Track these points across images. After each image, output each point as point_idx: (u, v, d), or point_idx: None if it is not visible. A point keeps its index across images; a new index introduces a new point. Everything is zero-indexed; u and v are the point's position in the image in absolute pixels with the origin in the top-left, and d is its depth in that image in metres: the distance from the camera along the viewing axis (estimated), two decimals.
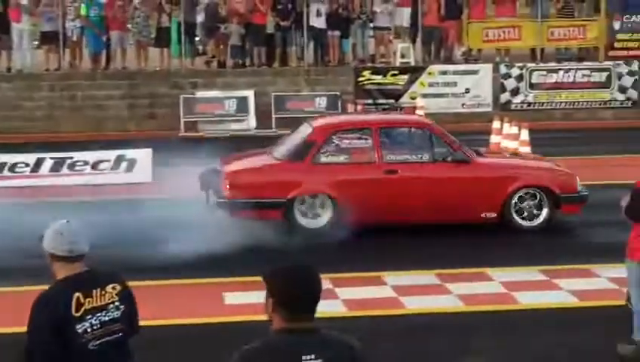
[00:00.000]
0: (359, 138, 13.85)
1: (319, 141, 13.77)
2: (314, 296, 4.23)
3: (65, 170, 17.80)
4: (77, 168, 17.85)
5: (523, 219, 13.67)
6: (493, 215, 13.57)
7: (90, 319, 4.87)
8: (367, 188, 13.33)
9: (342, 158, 13.75)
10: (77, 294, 4.85)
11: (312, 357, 4.11)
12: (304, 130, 14.34)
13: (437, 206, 13.27)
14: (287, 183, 13.42)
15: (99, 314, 4.91)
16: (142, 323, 6.02)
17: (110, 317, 4.98)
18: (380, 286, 11.27)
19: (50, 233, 4.95)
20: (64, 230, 4.95)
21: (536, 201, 13.67)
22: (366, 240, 12.66)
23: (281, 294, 4.19)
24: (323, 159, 13.68)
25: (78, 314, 4.83)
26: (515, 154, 15.54)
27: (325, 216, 13.42)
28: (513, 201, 13.61)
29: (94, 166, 17.83)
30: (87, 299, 4.89)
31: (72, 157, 17.94)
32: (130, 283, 5.35)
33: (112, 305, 4.99)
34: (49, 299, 4.88)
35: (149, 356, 6.49)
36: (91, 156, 18.01)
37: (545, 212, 13.64)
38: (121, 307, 5.05)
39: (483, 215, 13.55)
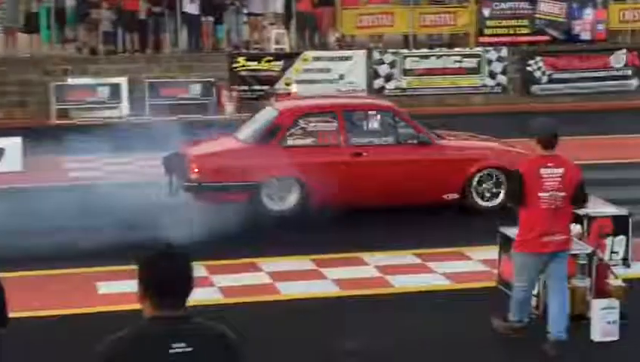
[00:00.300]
0: (325, 121, 13.97)
1: (286, 124, 13.91)
2: (183, 283, 4.17)
3: None
4: None
5: (482, 199, 13.87)
6: (456, 196, 13.75)
7: None
8: (333, 171, 13.26)
9: (308, 141, 13.84)
10: None
11: (183, 345, 4.06)
12: (270, 114, 14.50)
13: (401, 187, 13.41)
14: (255, 166, 13.46)
15: None
16: (12, 314, 5.93)
17: None
18: (256, 272, 11.25)
19: None
20: None
21: (494, 182, 13.84)
22: (242, 228, 12.56)
23: (148, 281, 4.14)
24: (290, 142, 13.76)
25: None
26: (472, 136, 15.71)
27: (292, 199, 13.47)
28: (475, 181, 13.79)
29: None
30: None
31: None
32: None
33: None
34: None
35: (18, 347, 6.33)
36: None
37: (502, 192, 13.76)
38: None
39: (445, 196, 13.75)
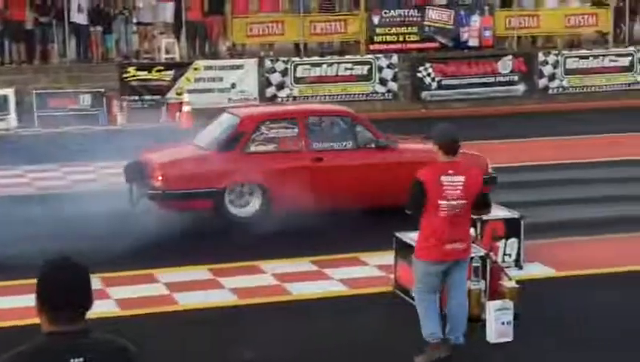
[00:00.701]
0: (286, 127, 14.01)
1: (248, 131, 13.91)
2: (79, 296, 4.11)
3: None
4: None
5: None
6: None
7: None
8: (295, 176, 13.34)
9: (270, 147, 13.91)
10: None
11: (81, 360, 4.00)
12: (231, 121, 14.42)
13: (363, 191, 13.50)
14: (219, 173, 13.52)
15: None
16: None
17: None
18: (152, 283, 11.18)
19: None
20: None
21: None
22: (138, 239, 12.26)
23: (44, 295, 4.08)
24: (252, 148, 13.82)
25: None
26: (422, 139, 15.71)
27: (255, 205, 13.56)
28: None
29: None
30: None
31: None
32: None
33: None
34: None
35: None
36: None
37: None
38: None
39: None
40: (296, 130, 14.01)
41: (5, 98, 23.80)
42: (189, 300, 10.61)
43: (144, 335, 8.47)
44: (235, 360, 8.94)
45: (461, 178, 8.32)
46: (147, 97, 25.14)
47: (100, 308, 9.30)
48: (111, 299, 10.54)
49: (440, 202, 8.21)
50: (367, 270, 11.61)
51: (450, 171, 8.32)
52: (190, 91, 24.90)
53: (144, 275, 11.41)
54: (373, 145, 14.06)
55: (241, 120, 14.26)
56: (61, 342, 4.02)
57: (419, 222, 8.57)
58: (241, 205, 13.61)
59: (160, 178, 13.34)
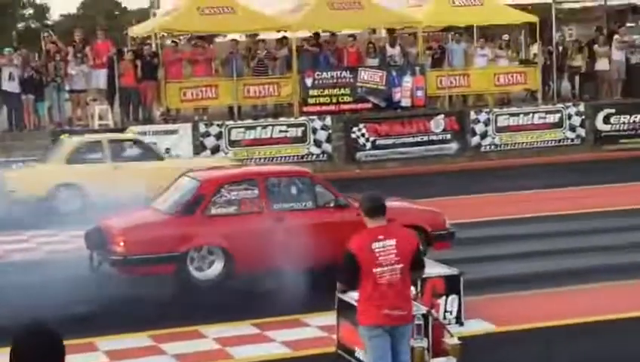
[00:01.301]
0: (246, 189, 13.99)
1: (209, 194, 13.90)
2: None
3: None
4: None
5: None
6: None
7: None
8: (257, 238, 13.43)
9: (231, 210, 13.89)
10: None
11: None
12: (190, 184, 14.41)
13: (323, 249, 13.31)
14: (180, 237, 13.50)
15: None
16: None
17: None
18: (92, 352, 11.00)
19: None
20: None
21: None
22: (80, 305, 12.31)
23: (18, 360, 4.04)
24: (213, 211, 13.79)
25: None
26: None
27: (218, 267, 13.53)
28: None
29: None
30: None
31: None
32: None
33: None
34: None
35: None
36: None
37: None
38: None
39: None
40: (256, 191, 14.05)
41: None
42: None
43: None
44: None
45: (392, 241, 8.12)
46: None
47: None
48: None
49: (375, 270, 8.00)
50: (309, 331, 11.56)
51: (381, 236, 8.14)
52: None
53: (84, 344, 11.15)
54: (332, 205, 14.16)
55: (200, 183, 14.28)
56: None
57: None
58: (204, 268, 13.60)
59: (121, 244, 13.31)
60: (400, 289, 8.11)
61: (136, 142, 21.76)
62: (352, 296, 9.77)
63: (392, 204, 14.99)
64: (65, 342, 11.09)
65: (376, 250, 7.97)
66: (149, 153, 21.20)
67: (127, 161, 20.66)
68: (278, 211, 13.94)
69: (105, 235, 13.64)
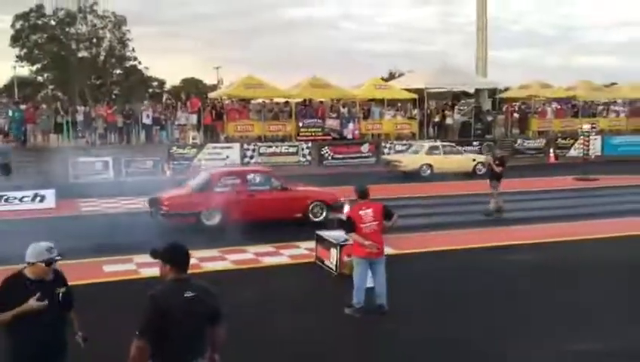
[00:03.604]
0: (234, 179, 13.76)
1: (214, 181, 13.64)
2: (188, 259, 4.10)
3: (2, 202, 16.53)
4: (10, 201, 16.60)
5: (315, 216, 13.85)
6: (301, 215, 13.73)
7: None
8: (239, 205, 13.04)
9: (226, 189, 13.44)
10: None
11: (190, 292, 3.98)
12: (205, 175, 14.11)
13: (273, 211, 13.31)
14: (198, 203, 13.16)
15: None
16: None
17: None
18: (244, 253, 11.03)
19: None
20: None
21: (320, 208, 13.90)
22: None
23: (173, 260, 4.03)
24: (216, 190, 13.40)
25: None
26: (308, 185, 15.34)
27: (217, 220, 13.16)
28: (311, 208, 13.84)
29: (21, 199, 16.65)
30: None
31: (6, 195, 16.67)
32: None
33: None
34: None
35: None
36: (19, 193, 16.77)
37: (324, 213, 13.86)
38: None
39: (296, 215, 13.69)
40: (239, 180, 13.72)
41: (106, 163, 23.16)
42: (212, 267, 10.08)
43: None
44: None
45: (370, 210, 7.61)
46: (182, 163, 24.57)
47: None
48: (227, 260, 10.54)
49: (361, 225, 7.57)
50: (301, 250, 11.36)
51: (364, 207, 7.67)
52: (205, 159, 24.65)
53: (238, 250, 11.13)
54: (279, 187, 13.82)
55: (211, 175, 14.04)
56: (180, 283, 4.01)
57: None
58: (210, 220, 13.21)
59: (166, 205, 13.10)
60: (376, 236, 7.70)
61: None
62: (326, 233, 9.97)
63: (308, 186, 14.86)
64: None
65: (362, 214, 7.76)
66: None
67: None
68: (251, 191, 13.56)
69: (158, 200, 13.32)
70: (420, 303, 8.46)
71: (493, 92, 33.49)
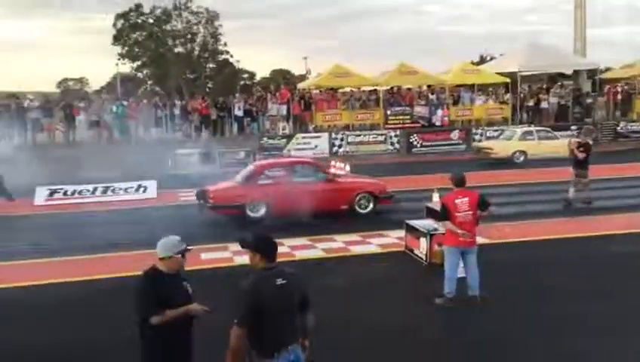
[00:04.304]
0: (279, 170, 13.67)
1: (258, 173, 13.55)
2: (276, 249, 4.21)
3: (109, 192, 17.39)
4: (115, 191, 17.48)
5: (360, 208, 13.65)
6: (346, 207, 13.52)
7: None
8: (284, 197, 12.81)
9: (270, 181, 13.32)
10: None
11: (281, 280, 4.07)
12: (250, 167, 14.11)
13: (319, 204, 12.90)
14: (243, 195, 13.10)
15: None
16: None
17: None
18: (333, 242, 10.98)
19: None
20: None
21: (367, 199, 13.69)
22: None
23: (263, 249, 4.13)
24: (260, 182, 13.33)
25: None
26: (357, 175, 15.04)
27: (262, 212, 13.09)
28: (357, 199, 13.59)
29: (126, 190, 17.45)
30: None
31: (113, 186, 17.57)
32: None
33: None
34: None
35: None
36: (124, 185, 17.63)
37: (371, 205, 13.64)
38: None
39: (342, 207, 13.47)
40: (284, 172, 13.51)
41: (202, 155, 23.52)
42: (304, 255, 10.26)
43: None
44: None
45: (466, 199, 7.46)
46: (273, 153, 24.69)
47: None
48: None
49: (456, 214, 7.44)
50: (390, 239, 11.29)
51: (460, 196, 7.50)
52: (295, 149, 25.06)
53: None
54: (324, 179, 13.53)
55: (255, 167, 13.84)
56: (270, 272, 4.11)
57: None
58: (255, 212, 13.08)
59: (212, 198, 13.05)
60: (470, 225, 7.55)
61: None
62: (416, 222, 9.88)
63: (356, 177, 14.49)
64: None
65: (457, 203, 7.58)
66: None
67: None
68: (295, 182, 13.20)
69: (205, 193, 13.25)
70: (513, 295, 8.19)
71: (593, 73, 31.71)
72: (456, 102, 28.81)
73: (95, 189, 17.39)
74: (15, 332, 7.29)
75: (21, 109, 24.53)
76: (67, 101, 27.70)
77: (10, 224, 14.26)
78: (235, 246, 10.16)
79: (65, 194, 17.36)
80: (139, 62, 55.47)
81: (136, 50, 54.38)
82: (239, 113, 26.34)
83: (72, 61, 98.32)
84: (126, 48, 54.08)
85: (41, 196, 17.08)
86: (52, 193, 17.31)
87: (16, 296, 8.67)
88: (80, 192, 17.40)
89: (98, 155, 23.92)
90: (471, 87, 29.54)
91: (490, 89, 30.40)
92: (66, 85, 69.47)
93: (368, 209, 13.58)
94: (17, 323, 7.62)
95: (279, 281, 4.03)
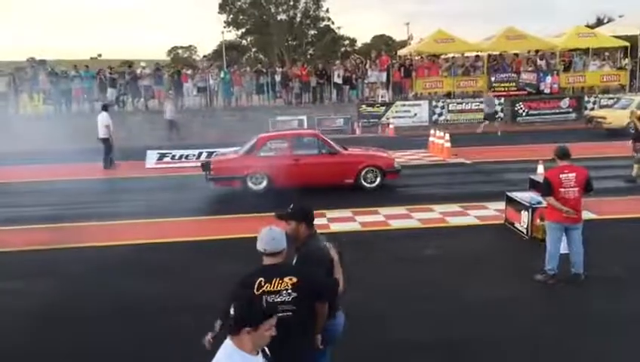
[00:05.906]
0: (280, 143, 13.24)
1: (260, 144, 13.21)
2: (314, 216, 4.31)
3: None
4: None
5: (366, 182, 13.20)
6: (352, 180, 13.10)
7: (265, 297, 3.65)
8: (285, 169, 12.74)
9: (272, 153, 13.10)
10: (260, 279, 3.73)
11: (325, 242, 4.26)
12: (253, 139, 13.61)
13: (322, 176, 12.81)
14: (244, 166, 12.95)
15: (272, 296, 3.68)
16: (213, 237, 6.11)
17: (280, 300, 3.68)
18: (375, 215, 10.99)
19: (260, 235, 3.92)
20: (264, 235, 3.89)
21: (373, 173, 13.24)
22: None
23: (307, 217, 4.21)
24: (262, 154, 13.09)
25: (257, 293, 3.66)
26: (365, 148, 14.53)
27: (264, 184, 12.95)
28: (362, 173, 13.16)
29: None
30: (266, 284, 3.70)
31: (216, 151, 17.87)
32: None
33: (285, 292, 3.70)
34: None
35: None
36: (226, 150, 17.55)
37: (378, 179, 13.22)
38: (293, 294, 3.70)
39: (347, 180, 13.09)
40: (285, 144, 13.13)
41: (301, 121, 24.32)
42: (397, 224, 10.23)
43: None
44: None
45: (573, 174, 7.02)
46: (371, 120, 25.26)
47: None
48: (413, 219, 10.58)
49: (560, 189, 7.01)
50: (489, 211, 10.95)
51: (566, 171, 7.05)
52: (393, 117, 25.14)
53: (370, 211, 11.09)
54: (328, 152, 13.10)
55: (257, 139, 13.38)
56: (317, 237, 4.27)
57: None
58: (257, 184, 12.94)
59: (213, 169, 12.97)
60: (575, 202, 7.11)
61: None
62: (517, 194, 9.57)
63: (363, 151, 13.89)
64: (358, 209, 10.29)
65: (562, 178, 7.11)
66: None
67: None
68: (296, 155, 12.94)
69: (209, 164, 13.15)
70: (619, 274, 7.73)
71: None
72: (567, 68, 27.37)
73: (200, 154, 18.01)
74: (136, 281, 7.93)
75: (134, 77, 25.81)
76: (176, 68, 28.85)
77: (126, 185, 15.26)
78: (334, 214, 10.59)
79: (173, 158, 18.26)
80: (243, 30, 56.72)
81: (241, 17, 55.59)
82: (338, 80, 26.38)
83: (181, 30, 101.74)
84: (231, 16, 55.44)
85: (151, 159, 18.11)
86: (161, 156, 18.27)
87: (132, 253, 9.26)
88: (186, 156, 18.18)
89: (204, 120, 25.07)
90: (585, 52, 27.94)
91: (607, 54, 28.62)
92: (175, 53, 72.55)
93: (376, 183, 13.17)
94: (134, 276, 8.22)
95: (324, 243, 4.26)
